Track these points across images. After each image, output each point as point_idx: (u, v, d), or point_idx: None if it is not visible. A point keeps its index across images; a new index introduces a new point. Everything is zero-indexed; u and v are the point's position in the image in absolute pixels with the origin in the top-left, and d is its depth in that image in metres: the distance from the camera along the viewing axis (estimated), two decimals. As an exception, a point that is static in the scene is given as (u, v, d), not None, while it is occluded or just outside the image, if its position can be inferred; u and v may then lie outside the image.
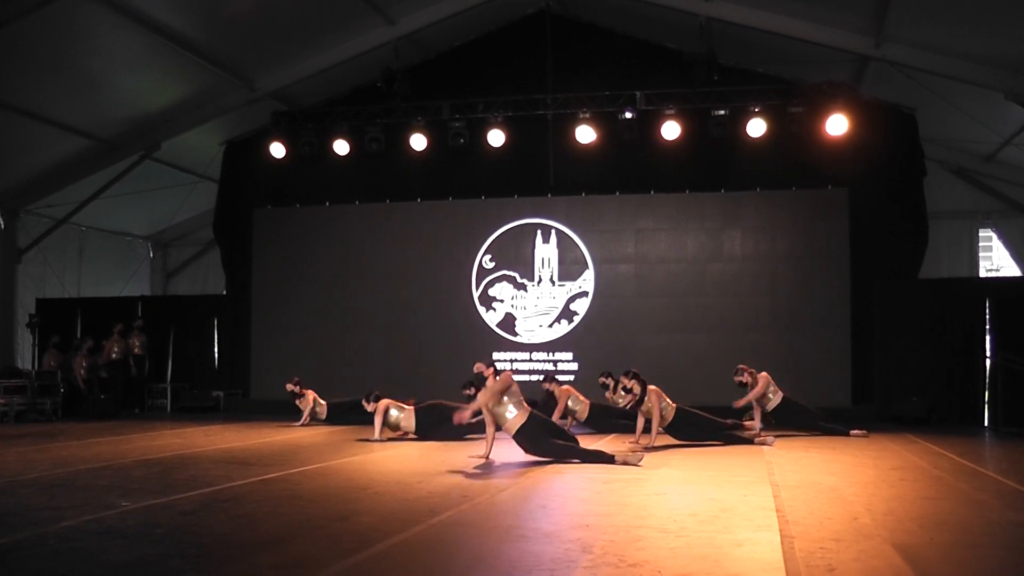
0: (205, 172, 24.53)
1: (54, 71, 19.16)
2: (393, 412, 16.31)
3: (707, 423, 15.31)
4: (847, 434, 16.03)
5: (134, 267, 27.68)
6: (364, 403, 16.43)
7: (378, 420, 16.03)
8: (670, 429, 14.87)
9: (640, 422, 14.94)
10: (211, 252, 26.55)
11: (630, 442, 15.03)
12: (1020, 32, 16.89)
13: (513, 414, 12.47)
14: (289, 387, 19.09)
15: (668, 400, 14.74)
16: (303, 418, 18.83)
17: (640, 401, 14.57)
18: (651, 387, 14.58)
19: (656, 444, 14.55)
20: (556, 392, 17.01)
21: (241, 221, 23.89)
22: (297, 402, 19.05)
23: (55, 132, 21.04)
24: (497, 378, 12.75)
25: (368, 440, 15.71)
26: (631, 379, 14.64)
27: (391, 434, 16.27)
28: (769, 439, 15.17)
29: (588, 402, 17.27)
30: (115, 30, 18.40)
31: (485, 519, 8.53)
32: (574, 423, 17.27)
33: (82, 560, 6.73)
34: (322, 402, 19.07)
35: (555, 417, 16.09)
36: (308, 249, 23.37)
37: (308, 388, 19.16)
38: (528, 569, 6.50)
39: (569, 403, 17.04)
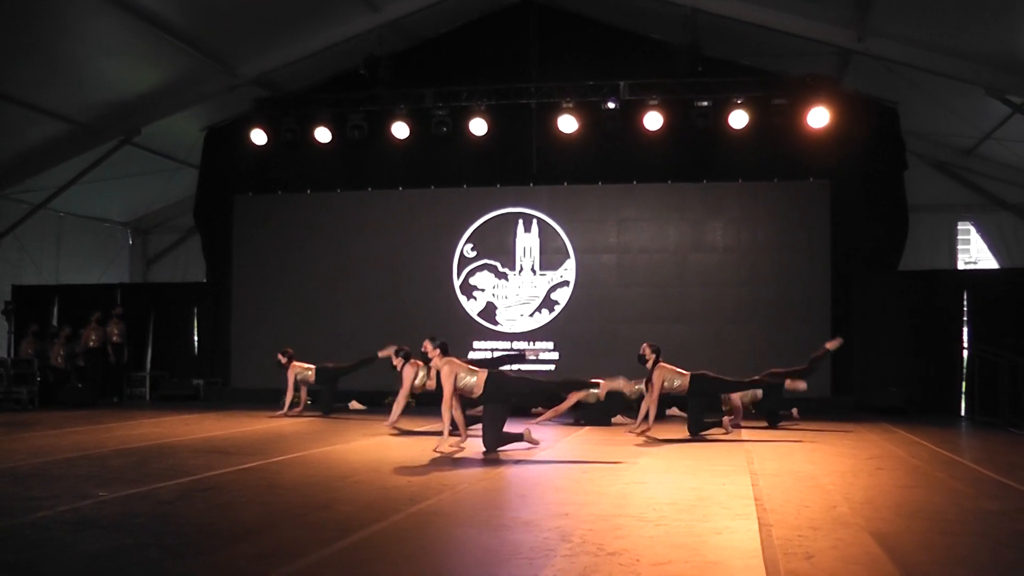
0: (186, 158, 24.39)
1: (32, 54, 18.92)
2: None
3: (730, 384, 15.56)
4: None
5: (113, 254, 27.53)
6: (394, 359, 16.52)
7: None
8: (691, 397, 14.96)
9: (643, 407, 15.07)
10: (191, 239, 26.39)
11: (628, 431, 15.10)
12: (1001, 28, 16.93)
13: (473, 378, 12.52)
14: (280, 358, 19.08)
15: (680, 371, 14.82)
16: (287, 395, 18.84)
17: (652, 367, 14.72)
18: (661, 364, 14.73)
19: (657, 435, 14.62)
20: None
21: (222, 208, 23.81)
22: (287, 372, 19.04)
23: (33, 116, 20.78)
24: (443, 365, 12.76)
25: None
26: (652, 351, 14.82)
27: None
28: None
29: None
30: (95, 13, 18.18)
31: (464, 508, 8.56)
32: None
33: (58, 551, 6.72)
34: (309, 366, 19.06)
35: None
36: (289, 237, 23.31)
37: (297, 361, 19.11)
38: (507, 558, 6.53)
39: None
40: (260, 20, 20.13)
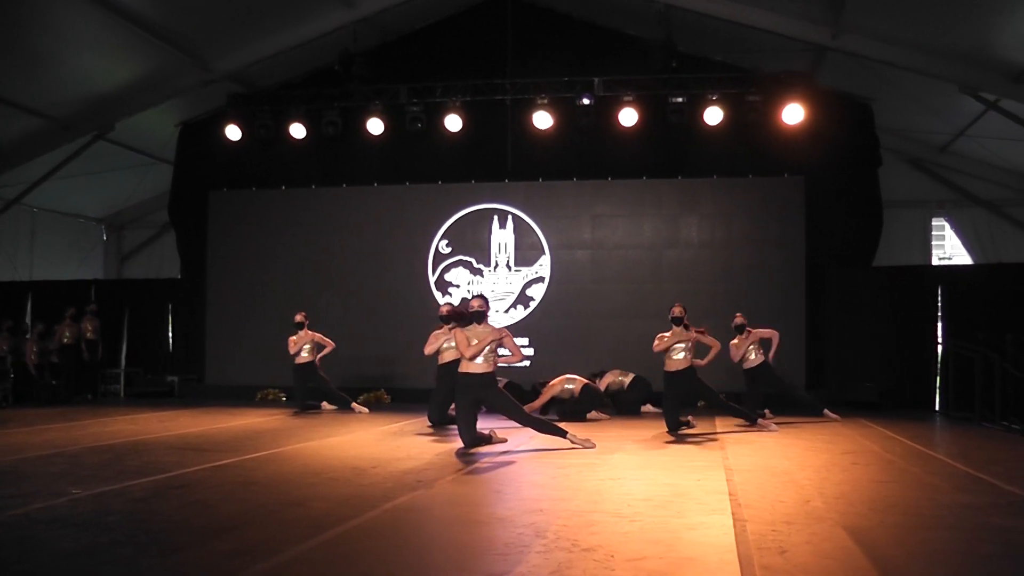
0: (160, 154, 24.33)
1: (4, 48, 18.83)
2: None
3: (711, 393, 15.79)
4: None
5: (87, 250, 27.47)
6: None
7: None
8: (667, 391, 15.21)
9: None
10: (166, 235, 26.32)
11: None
12: (974, 25, 17.02)
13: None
14: (299, 318, 19.19)
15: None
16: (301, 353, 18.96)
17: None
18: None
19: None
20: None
21: (197, 204, 23.71)
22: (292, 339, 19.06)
23: (5, 110, 20.71)
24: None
25: None
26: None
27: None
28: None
29: None
30: (68, 7, 18.12)
31: (439, 504, 8.56)
32: None
33: (31, 549, 6.69)
34: (328, 342, 19.11)
35: None
36: (264, 233, 23.27)
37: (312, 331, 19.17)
38: (481, 554, 6.54)
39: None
40: (234, 15, 20.08)
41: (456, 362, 13.75)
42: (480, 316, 12.66)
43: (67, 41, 19.35)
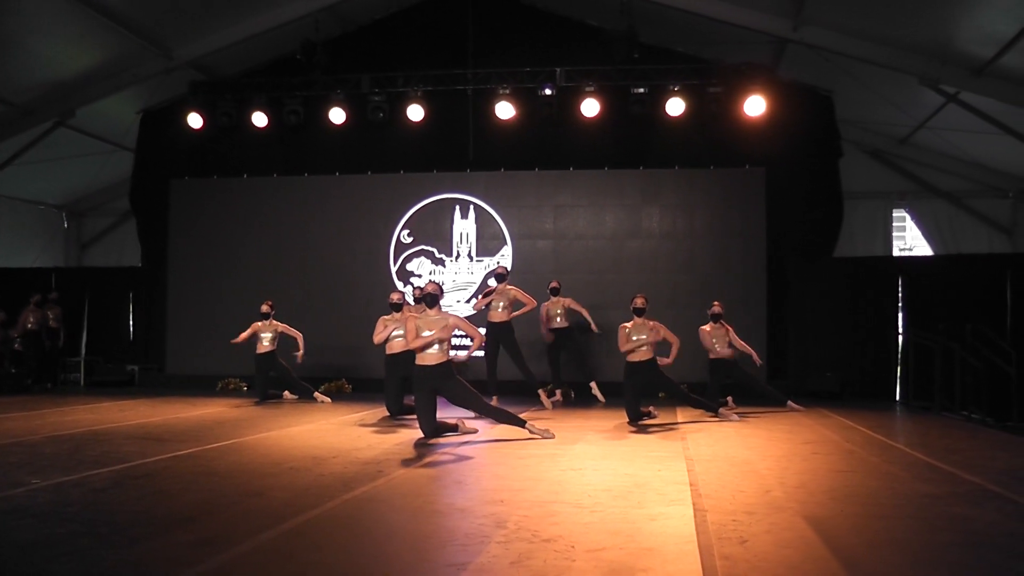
0: (121, 141, 24.12)
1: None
2: None
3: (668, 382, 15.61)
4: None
5: (47, 237, 27.31)
6: None
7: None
8: (627, 380, 15.15)
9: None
10: (127, 223, 26.17)
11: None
12: (934, 18, 17.12)
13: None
14: (265, 308, 19.15)
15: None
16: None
17: None
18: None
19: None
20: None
21: (158, 192, 23.57)
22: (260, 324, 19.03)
23: (-37, 96, 20.65)
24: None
25: None
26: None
27: None
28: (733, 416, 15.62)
29: None
30: (30, -7, 18.12)
31: (399, 495, 8.54)
32: None
33: (-10, 540, 6.66)
34: (294, 332, 19.05)
35: None
36: (225, 221, 23.18)
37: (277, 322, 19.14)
38: (441, 544, 6.55)
39: None
40: (196, 2, 19.99)
41: (405, 352, 13.82)
42: (432, 299, 12.67)
43: (28, 27, 19.19)
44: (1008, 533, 7.13)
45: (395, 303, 15.55)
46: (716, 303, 17.33)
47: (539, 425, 13.03)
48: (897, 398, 19.99)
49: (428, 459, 10.77)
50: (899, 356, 20.27)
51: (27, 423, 14.33)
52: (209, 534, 6.81)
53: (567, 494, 8.38)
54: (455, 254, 22.16)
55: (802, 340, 21.03)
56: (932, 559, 6.37)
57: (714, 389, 17.01)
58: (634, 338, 14.85)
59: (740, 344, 17.09)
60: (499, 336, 17.74)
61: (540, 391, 17.85)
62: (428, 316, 12.61)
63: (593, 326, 17.06)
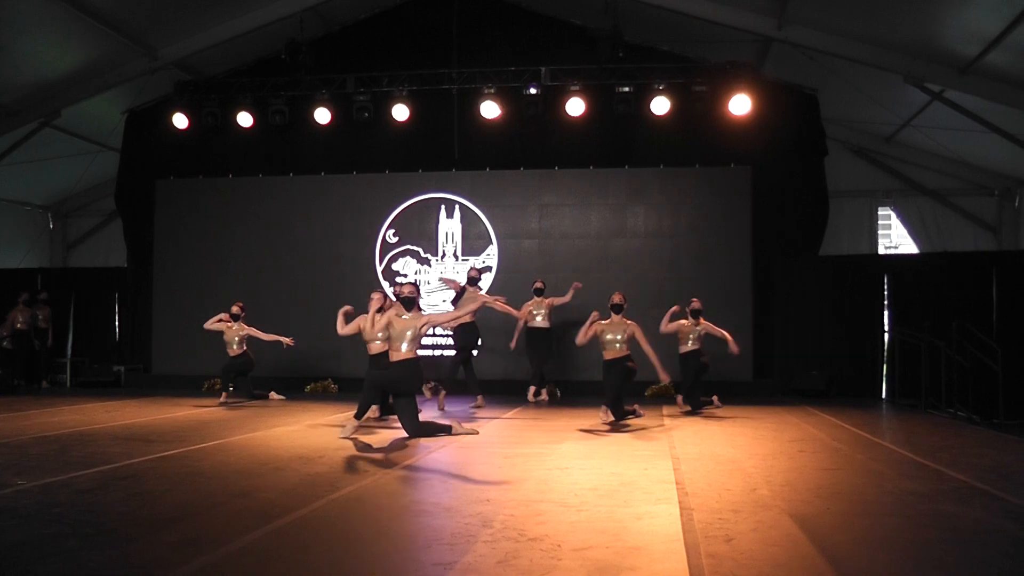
0: (107, 141, 24.07)
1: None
2: None
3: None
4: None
5: (33, 238, 27.25)
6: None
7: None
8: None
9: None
10: (113, 223, 26.18)
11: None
12: (918, 17, 17.17)
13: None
14: (235, 309, 19.00)
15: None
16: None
17: None
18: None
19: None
20: None
21: (143, 192, 23.59)
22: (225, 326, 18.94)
23: (-53, 96, 20.60)
24: None
25: None
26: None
27: None
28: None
29: None
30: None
31: (386, 494, 8.53)
32: None
33: (-25, 541, 6.64)
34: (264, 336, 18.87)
35: None
36: (211, 221, 23.16)
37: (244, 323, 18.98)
38: (428, 544, 6.53)
39: None
40: (181, 2, 19.98)
41: (381, 354, 13.83)
42: (410, 303, 12.78)
43: (13, 27, 19.16)
44: (993, 530, 7.14)
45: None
46: (695, 300, 17.30)
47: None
48: (883, 396, 20.05)
49: (414, 459, 10.75)
50: (885, 354, 20.32)
51: (13, 424, 14.29)
52: (195, 535, 6.79)
53: (553, 493, 8.37)
54: (441, 254, 22.16)
55: (788, 339, 21.06)
56: (918, 556, 6.38)
57: (689, 380, 16.98)
58: (608, 336, 14.77)
59: (718, 332, 17.00)
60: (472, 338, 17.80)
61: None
62: (402, 318, 12.68)
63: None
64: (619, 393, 14.72)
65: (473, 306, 14.89)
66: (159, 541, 6.62)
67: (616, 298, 15.05)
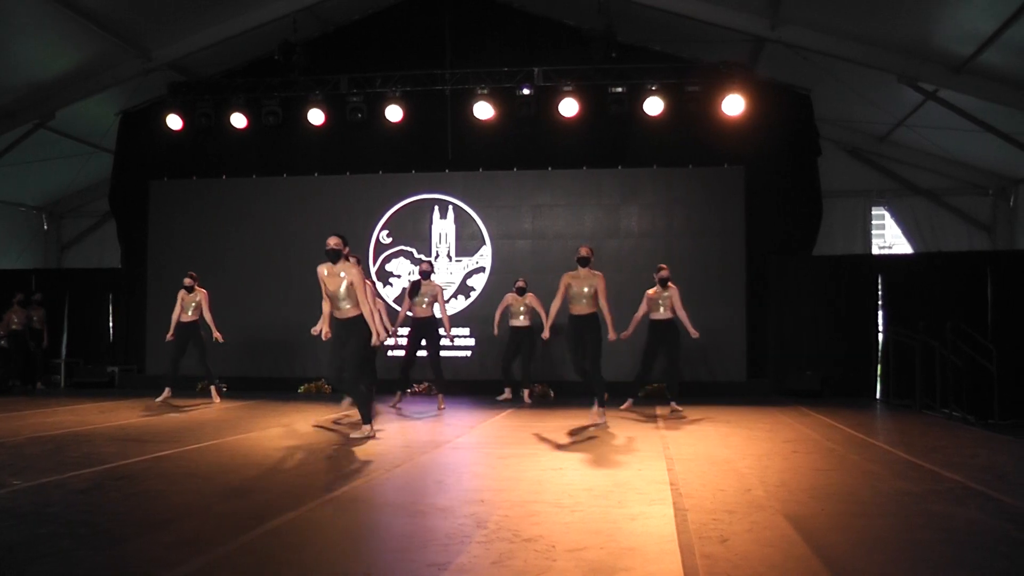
0: (101, 143, 24.07)
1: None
2: None
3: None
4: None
5: (27, 239, 27.23)
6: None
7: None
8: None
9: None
10: (107, 224, 26.16)
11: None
12: (912, 16, 17.16)
13: None
14: (187, 281, 18.94)
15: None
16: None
17: None
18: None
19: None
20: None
21: (137, 193, 23.57)
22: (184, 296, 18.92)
23: (-58, 99, 20.58)
24: None
25: None
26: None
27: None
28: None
29: None
30: (8, -5, 18.06)
31: (380, 495, 8.53)
32: None
33: (-31, 541, 6.62)
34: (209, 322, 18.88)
35: None
36: (205, 222, 23.15)
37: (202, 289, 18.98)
38: (422, 544, 6.51)
39: None
40: (175, 4, 19.97)
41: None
42: (335, 255, 12.98)
43: (7, 29, 19.14)
44: (988, 531, 7.14)
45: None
46: (663, 266, 17.18)
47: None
48: (878, 396, 20.08)
49: (409, 459, 10.74)
50: (879, 354, 20.34)
51: (8, 424, 14.27)
52: (190, 535, 6.78)
53: (547, 494, 8.36)
54: (434, 254, 22.15)
55: (782, 339, 21.07)
56: (912, 557, 6.37)
57: (651, 351, 16.96)
58: (574, 290, 14.54)
59: (681, 312, 16.84)
60: (424, 332, 17.66)
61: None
62: (332, 268, 12.95)
63: (546, 332, 16.55)
64: (576, 349, 14.58)
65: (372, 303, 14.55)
66: (154, 541, 6.61)
67: (583, 251, 14.71)
